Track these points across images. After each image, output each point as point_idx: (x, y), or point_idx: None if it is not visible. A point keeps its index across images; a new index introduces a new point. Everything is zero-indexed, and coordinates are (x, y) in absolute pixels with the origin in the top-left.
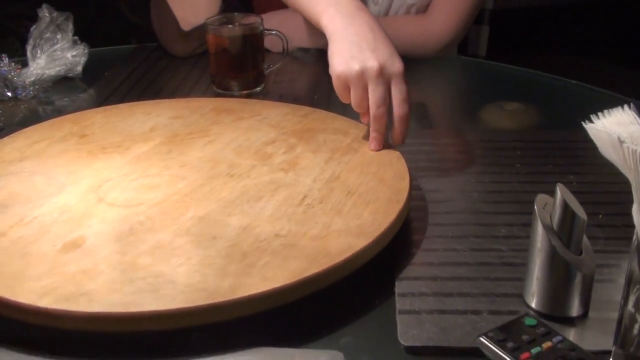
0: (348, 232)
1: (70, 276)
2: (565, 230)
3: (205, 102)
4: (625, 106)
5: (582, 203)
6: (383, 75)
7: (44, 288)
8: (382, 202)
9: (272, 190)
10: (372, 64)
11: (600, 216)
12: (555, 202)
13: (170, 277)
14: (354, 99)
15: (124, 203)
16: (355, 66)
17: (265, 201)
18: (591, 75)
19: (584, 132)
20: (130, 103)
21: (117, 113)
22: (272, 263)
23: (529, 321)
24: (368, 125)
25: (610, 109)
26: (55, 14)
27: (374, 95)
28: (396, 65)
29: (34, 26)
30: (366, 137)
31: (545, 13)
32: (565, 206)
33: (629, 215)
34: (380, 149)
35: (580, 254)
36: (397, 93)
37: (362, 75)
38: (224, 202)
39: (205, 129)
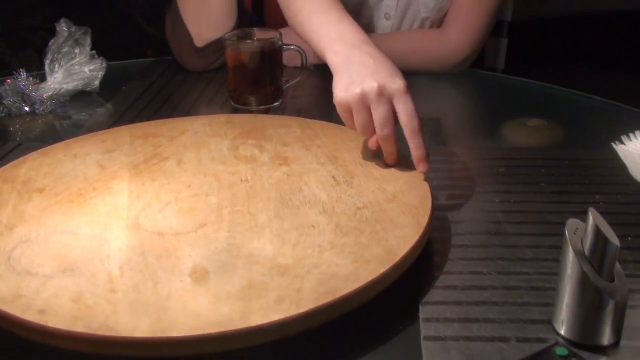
0: (407, 190)
1: (242, 294)
2: (597, 256)
3: (116, 131)
4: None
5: (609, 224)
6: (383, 94)
7: (234, 311)
8: (401, 164)
9: (299, 180)
10: (371, 85)
11: (629, 238)
12: (586, 227)
13: (328, 266)
14: (358, 124)
15: (186, 230)
16: (356, 89)
17: (308, 190)
18: (614, 89)
19: (610, 150)
20: (41, 150)
21: (41, 162)
22: (388, 227)
23: (560, 351)
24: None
25: None
26: (73, 29)
27: (377, 115)
28: (397, 83)
29: (52, 40)
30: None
31: (566, 23)
32: (598, 232)
33: None
34: (396, 162)
35: (613, 280)
36: (402, 109)
37: (362, 98)
38: (276, 200)
39: (157, 154)
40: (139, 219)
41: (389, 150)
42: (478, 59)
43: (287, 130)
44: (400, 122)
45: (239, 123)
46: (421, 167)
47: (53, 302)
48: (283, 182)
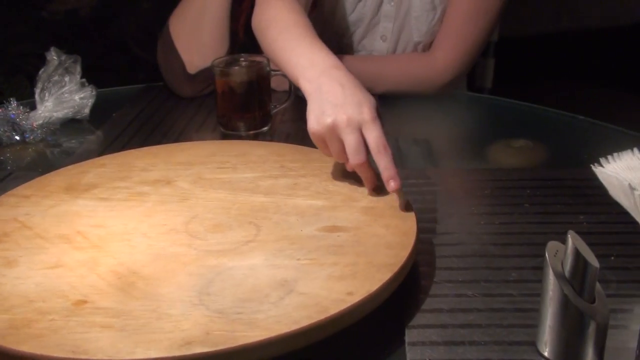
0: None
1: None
2: (578, 278)
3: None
4: (635, 150)
5: (593, 244)
6: (352, 124)
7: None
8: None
9: (211, 182)
10: (340, 116)
11: (612, 258)
12: (566, 249)
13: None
14: (333, 152)
15: (254, 232)
16: (327, 120)
17: (235, 175)
18: (601, 105)
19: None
20: None
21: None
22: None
23: None
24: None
25: (620, 152)
26: (63, 57)
27: (348, 144)
28: (364, 113)
29: (42, 69)
30: None
31: (552, 41)
32: (577, 254)
33: None
34: (377, 187)
35: (594, 301)
36: (369, 136)
37: (333, 129)
38: (242, 191)
39: (61, 235)
40: (211, 250)
41: (365, 176)
42: (467, 79)
43: (104, 170)
44: (370, 149)
45: (49, 185)
46: (391, 185)
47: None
48: (212, 186)
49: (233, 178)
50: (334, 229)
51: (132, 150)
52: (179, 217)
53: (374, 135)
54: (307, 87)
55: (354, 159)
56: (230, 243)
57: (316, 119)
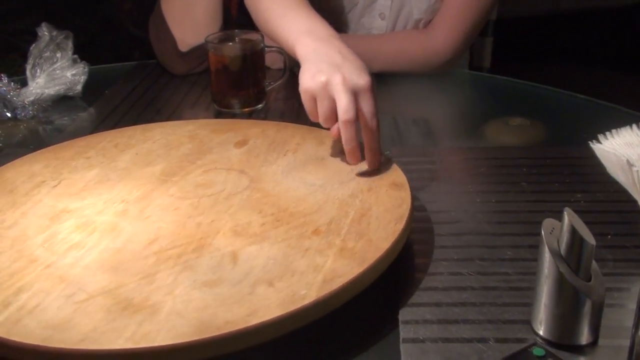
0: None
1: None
2: (574, 256)
3: None
4: (634, 126)
5: (590, 223)
6: (347, 85)
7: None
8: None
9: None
10: (336, 75)
11: (609, 237)
12: (562, 227)
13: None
14: (320, 111)
15: (251, 181)
16: (321, 78)
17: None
18: (600, 86)
19: (592, 148)
20: None
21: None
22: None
23: (537, 351)
24: (339, 139)
25: (618, 129)
26: (54, 33)
27: (340, 103)
28: (363, 78)
29: (33, 45)
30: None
31: (551, 21)
32: (573, 231)
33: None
34: (359, 162)
35: (590, 279)
36: (363, 107)
37: (327, 87)
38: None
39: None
40: (247, 188)
41: (347, 138)
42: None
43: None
44: (360, 121)
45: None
46: (370, 166)
47: None
48: (120, 178)
49: (119, 164)
50: (241, 143)
51: None
52: (160, 200)
53: (368, 107)
54: (303, 52)
55: (344, 115)
56: (245, 186)
57: (311, 76)
